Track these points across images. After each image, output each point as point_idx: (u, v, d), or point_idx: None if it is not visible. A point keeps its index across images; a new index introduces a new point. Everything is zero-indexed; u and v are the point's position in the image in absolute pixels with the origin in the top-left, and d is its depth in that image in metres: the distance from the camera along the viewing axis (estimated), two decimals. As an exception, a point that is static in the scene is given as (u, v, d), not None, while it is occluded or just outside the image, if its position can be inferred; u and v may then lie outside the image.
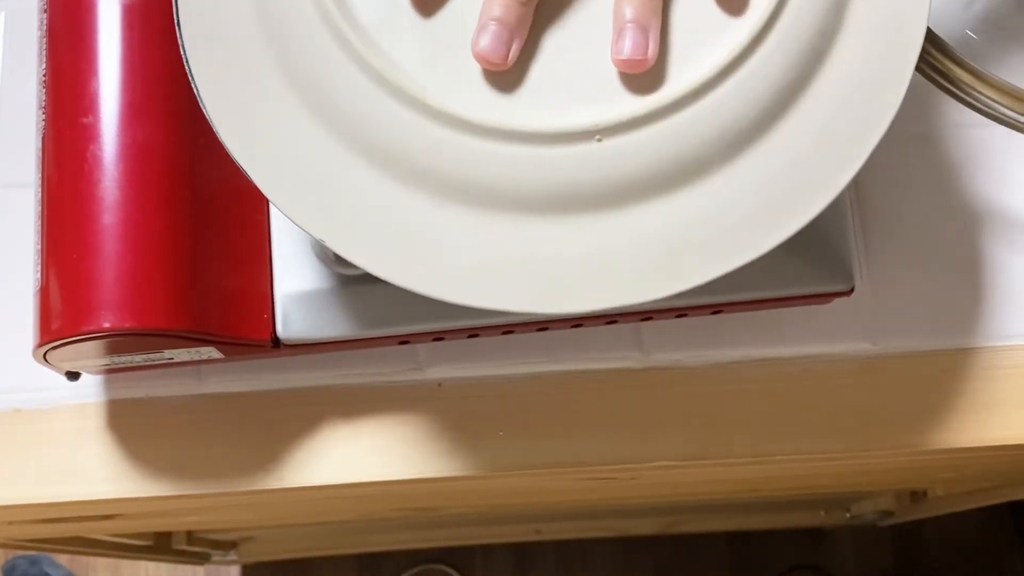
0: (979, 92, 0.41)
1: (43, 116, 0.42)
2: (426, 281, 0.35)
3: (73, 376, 0.44)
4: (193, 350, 0.42)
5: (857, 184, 0.48)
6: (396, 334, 0.43)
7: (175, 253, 0.40)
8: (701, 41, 0.35)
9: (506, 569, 1.24)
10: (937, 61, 0.41)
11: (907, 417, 0.46)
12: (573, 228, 0.35)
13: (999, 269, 0.47)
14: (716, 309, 0.44)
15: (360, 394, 0.47)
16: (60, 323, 0.39)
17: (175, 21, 0.37)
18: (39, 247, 0.40)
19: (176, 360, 0.43)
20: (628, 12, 0.35)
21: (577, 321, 0.44)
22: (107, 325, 0.39)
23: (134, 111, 0.41)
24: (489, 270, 0.35)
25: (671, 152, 0.34)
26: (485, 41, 0.34)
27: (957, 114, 0.44)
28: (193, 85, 0.36)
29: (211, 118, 0.36)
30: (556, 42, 0.36)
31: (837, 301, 0.45)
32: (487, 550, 1.24)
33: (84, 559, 1.23)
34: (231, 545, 1.08)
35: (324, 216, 0.35)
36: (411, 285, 0.35)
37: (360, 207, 0.35)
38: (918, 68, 0.41)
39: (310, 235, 0.35)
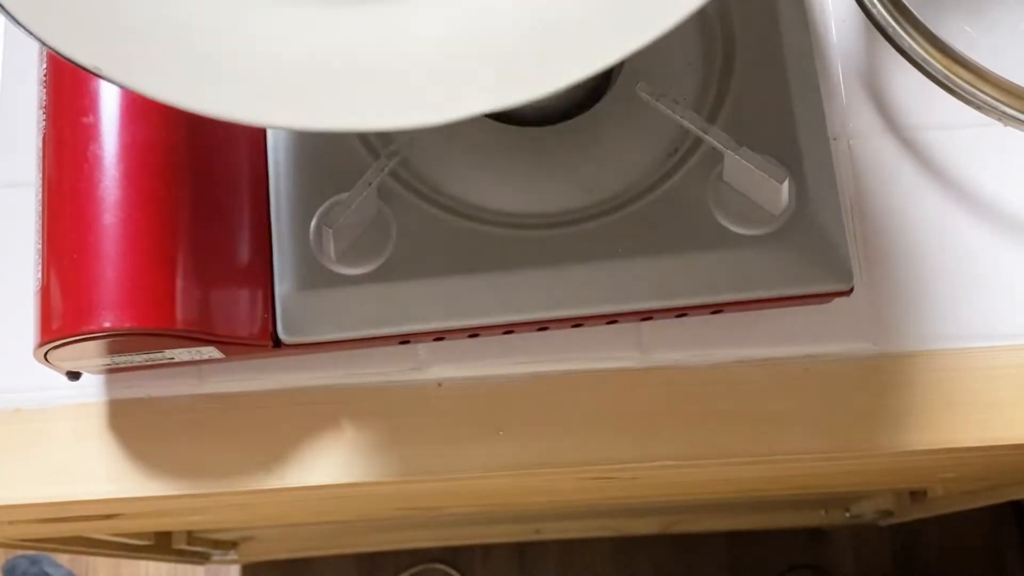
0: (979, 90, 0.41)
1: (43, 116, 0.41)
2: (189, 89, 0.25)
3: (73, 376, 0.44)
4: (193, 350, 0.42)
5: (856, 184, 0.48)
6: (396, 334, 0.43)
7: (175, 253, 0.40)
8: None
9: (506, 569, 1.24)
10: (935, 58, 0.41)
11: (907, 417, 0.46)
12: (402, 16, 0.26)
13: (999, 268, 0.47)
14: (716, 309, 0.44)
15: (360, 394, 0.47)
16: (60, 323, 0.39)
17: None
18: (39, 247, 0.40)
19: (176, 360, 0.43)
20: None
21: (577, 321, 0.44)
22: (107, 325, 0.39)
23: (134, 111, 0.41)
24: (293, 71, 0.25)
25: None
26: None
27: (956, 112, 0.44)
28: None
29: None
30: None
31: (837, 301, 0.45)
32: (487, 550, 1.24)
33: (84, 559, 1.23)
34: (231, 545, 1.08)
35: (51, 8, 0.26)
36: (164, 94, 0.25)
37: None
38: (917, 66, 0.41)
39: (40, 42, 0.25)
